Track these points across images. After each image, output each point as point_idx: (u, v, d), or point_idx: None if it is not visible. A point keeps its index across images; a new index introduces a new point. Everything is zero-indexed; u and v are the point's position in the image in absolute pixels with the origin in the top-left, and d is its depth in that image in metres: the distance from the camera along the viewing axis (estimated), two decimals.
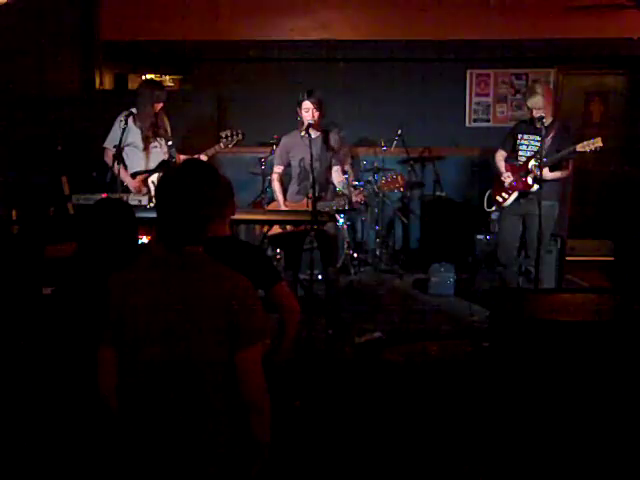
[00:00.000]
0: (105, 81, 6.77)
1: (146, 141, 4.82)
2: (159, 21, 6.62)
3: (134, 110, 4.76)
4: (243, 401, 1.85)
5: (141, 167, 4.87)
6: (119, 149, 4.59)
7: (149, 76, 7.24)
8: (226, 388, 1.84)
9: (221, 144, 4.86)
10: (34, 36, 5.56)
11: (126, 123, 4.59)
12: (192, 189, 1.86)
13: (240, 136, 4.83)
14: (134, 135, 4.82)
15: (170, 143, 4.80)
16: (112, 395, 1.91)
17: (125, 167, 4.85)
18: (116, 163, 4.51)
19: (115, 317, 1.86)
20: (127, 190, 4.75)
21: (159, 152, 4.87)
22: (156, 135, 4.86)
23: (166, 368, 1.81)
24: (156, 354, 1.81)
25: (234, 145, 4.88)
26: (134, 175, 4.86)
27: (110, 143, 4.78)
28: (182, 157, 4.97)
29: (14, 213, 4.55)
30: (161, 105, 4.83)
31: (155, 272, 1.86)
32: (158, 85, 5.00)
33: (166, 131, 4.93)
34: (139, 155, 4.85)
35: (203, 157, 4.88)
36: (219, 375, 1.83)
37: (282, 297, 2.69)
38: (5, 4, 4.89)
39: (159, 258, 1.89)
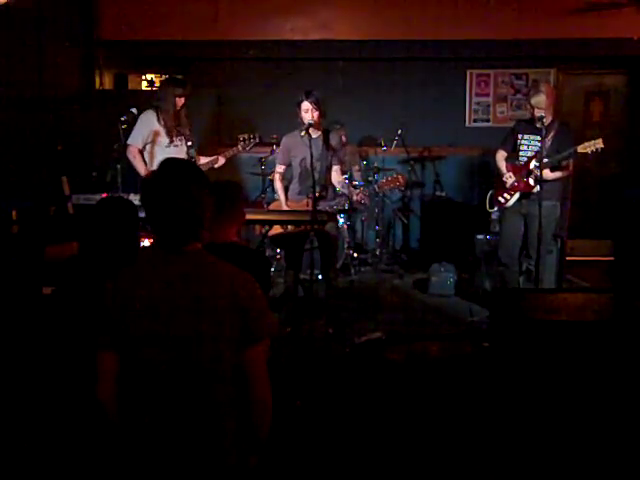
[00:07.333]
0: (105, 81, 6.78)
1: (169, 138, 4.80)
2: (159, 21, 6.63)
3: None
4: (249, 396, 1.86)
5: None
6: (120, 147, 4.61)
7: (149, 76, 7.25)
8: (233, 385, 1.85)
9: (239, 146, 4.92)
10: (34, 36, 5.55)
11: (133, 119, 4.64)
12: (178, 189, 1.83)
13: (257, 139, 4.96)
14: (157, 133, 4.81)
15: (190, 143, 4.80)
16: (111, 400, 1.89)
17: (145, 164, 4.84)
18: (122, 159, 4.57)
19: (117, 319, 1.83)
20: (127, 190, 4.75)
21: (179, 151, 4.81)
22: (178, 134, 4.84)
23: (173, 367, 1.80)
24: (162, 354, 1.80)
25: (251, 148, 5.00)
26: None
27: (133, 140, 4.78)
28: (202, 159, 4.98)
29: (14, 213, 4.53)
30: (183, 102, 4.81)
31: (157, 272, 1.85)
32: (179, 82, 4.97)
33: (187, 131, 4.91)
34: (159, 152, 4.81)
35: (222, 159, 4.94)
36: (227, 372, 1.83)
37: None
38: (5, 4, 4.88)
39: (160, 258, 1.88)
